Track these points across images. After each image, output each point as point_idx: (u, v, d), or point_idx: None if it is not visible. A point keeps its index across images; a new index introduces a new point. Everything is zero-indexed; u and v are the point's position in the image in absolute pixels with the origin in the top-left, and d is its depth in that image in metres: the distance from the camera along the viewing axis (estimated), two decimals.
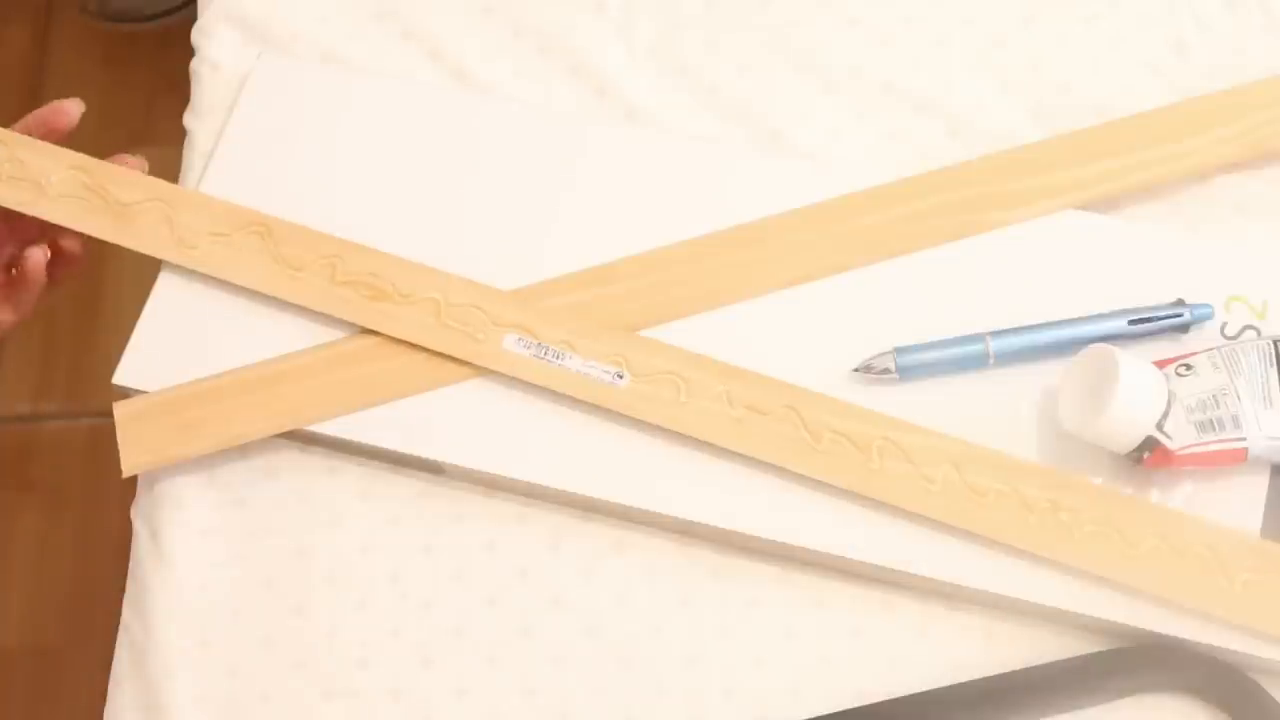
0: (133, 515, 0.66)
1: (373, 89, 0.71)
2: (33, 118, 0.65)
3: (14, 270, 0.64)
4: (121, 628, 0.64)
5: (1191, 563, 0.57)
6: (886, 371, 0.63)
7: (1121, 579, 0.57)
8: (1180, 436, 0.59)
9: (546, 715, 0.60)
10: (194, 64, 0.75)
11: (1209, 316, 0.63)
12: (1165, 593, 0.57)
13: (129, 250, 0.64)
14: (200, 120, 0.72)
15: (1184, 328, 0.63)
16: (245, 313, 0.66)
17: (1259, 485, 0.61)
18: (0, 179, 0.63)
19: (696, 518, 0.61)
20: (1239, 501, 0.61)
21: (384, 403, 0.63)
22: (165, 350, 0.66)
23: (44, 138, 0.65)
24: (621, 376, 0.57)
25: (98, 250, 0.65)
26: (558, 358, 0.58)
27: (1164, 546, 0.57)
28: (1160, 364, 0.60)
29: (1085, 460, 0.61)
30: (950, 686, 0.59)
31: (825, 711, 0.59)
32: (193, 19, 0.76)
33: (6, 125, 0.64)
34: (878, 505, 0.60)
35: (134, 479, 0.66)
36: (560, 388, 0.61)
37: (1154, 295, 0.64)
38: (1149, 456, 0.59)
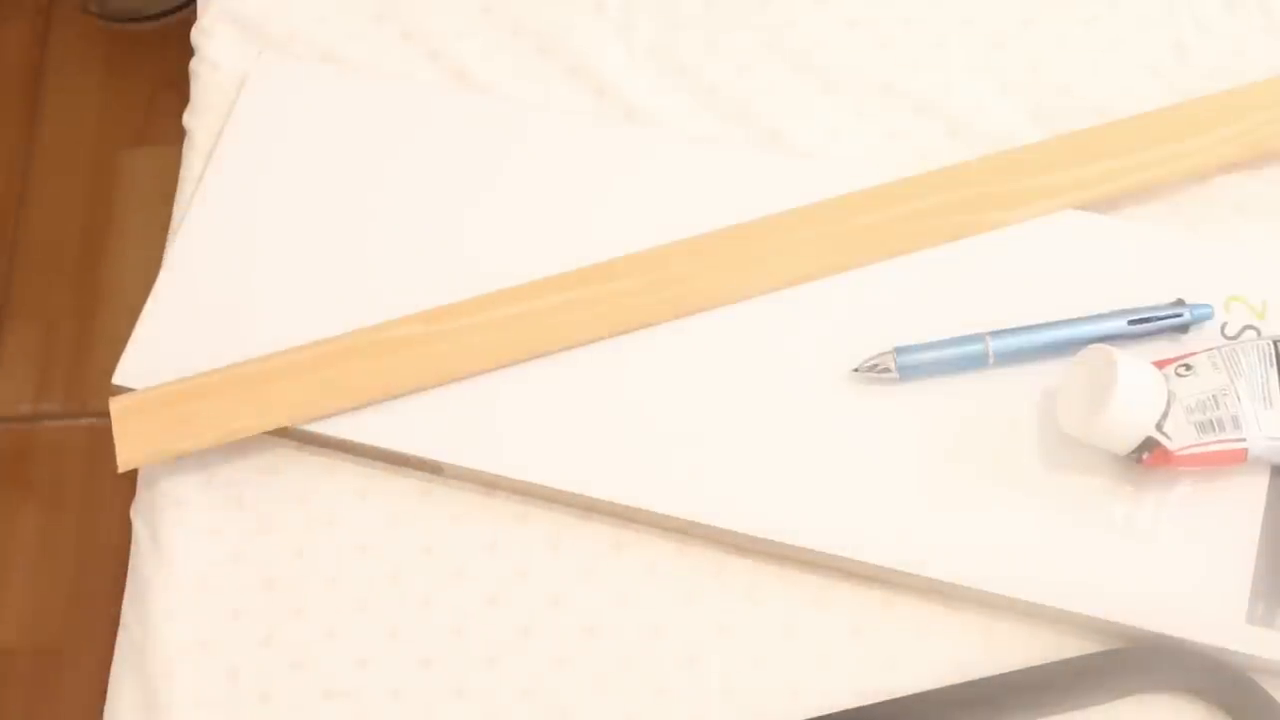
0: (132, 515, 0.66)
1: (372, 89, 0.71)
2: None
3: None
4: (121, 628, 0.64)
5: None
6: (886, 371, 0.63)
7: None
8: (1180, 437, 0.59)
9: (546, 715, 0.60)
10: (194, 64, 0.75)
11: (1209, 316, 0.63)
12: None
13: (128, 250, 0.64)
14: (200, 120, 0.73)
15: (1184, 328, 0.63)
16: (246, 313, 0.66)
17: (1259, 485, 0.61)
18: None
19: (696, 518, 0.61)
20: (1239, 502, 0.60)
21: (383, 401, 0.63)
22: (165, 350, 0.66)
23: None
24: None
25: (98, 250, 0.65)
26: None
27: None
28: (1160, 364, 0.60)
29: (1085, 460, 0.61)
30: (950, 686, 0.59)
31: (825, 711, 0.59)
32: (193, 19, 0.76)
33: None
34: (877, 506, 0.60)
35: (133, 478, 0.66)
36: None
37: (1154, 295, 0.64)
38: (1149, 457, 0.59)
